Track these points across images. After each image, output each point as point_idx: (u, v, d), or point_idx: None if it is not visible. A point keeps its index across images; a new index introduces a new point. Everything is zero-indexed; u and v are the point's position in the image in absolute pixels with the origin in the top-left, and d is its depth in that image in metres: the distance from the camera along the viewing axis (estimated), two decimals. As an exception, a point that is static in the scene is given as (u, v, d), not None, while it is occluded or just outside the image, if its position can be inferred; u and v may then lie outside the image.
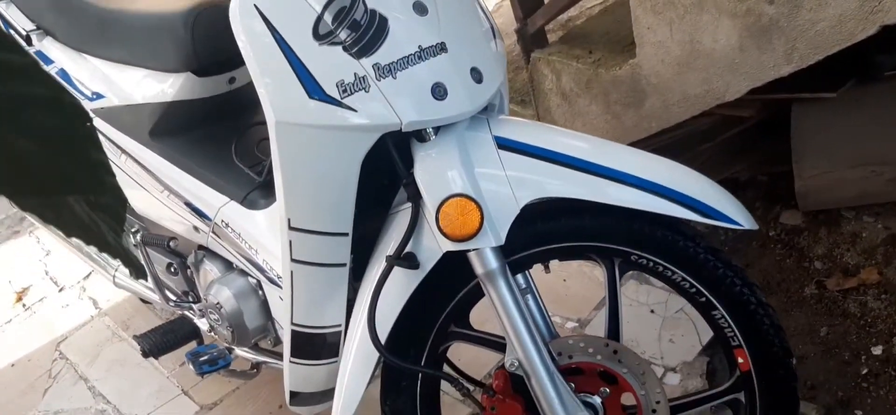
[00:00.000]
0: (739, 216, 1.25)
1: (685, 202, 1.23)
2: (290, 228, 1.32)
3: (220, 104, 1.79)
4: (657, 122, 2.03)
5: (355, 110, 1.20)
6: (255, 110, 1.93)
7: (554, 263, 1.43)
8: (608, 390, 1.36)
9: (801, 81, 1.92)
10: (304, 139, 1.24)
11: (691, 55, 1.85)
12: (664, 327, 1.92)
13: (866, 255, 1.94)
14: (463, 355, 2.02)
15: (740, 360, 1.34)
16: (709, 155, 2.13)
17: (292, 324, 1.46)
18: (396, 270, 1.30)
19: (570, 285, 1.94)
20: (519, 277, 1.43)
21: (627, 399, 1.38)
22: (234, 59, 1.77)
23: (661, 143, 2.09)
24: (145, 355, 1.76)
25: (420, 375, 1.45)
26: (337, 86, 1.19)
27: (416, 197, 1.27)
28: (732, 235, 2.13)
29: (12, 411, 2.30)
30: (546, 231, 1.35)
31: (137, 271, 0.61)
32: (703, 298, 1.32)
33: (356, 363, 1.37)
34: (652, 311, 1.99)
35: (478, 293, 1.40)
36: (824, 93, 1.91)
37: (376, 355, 1.36)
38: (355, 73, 1.19)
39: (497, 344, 1.42)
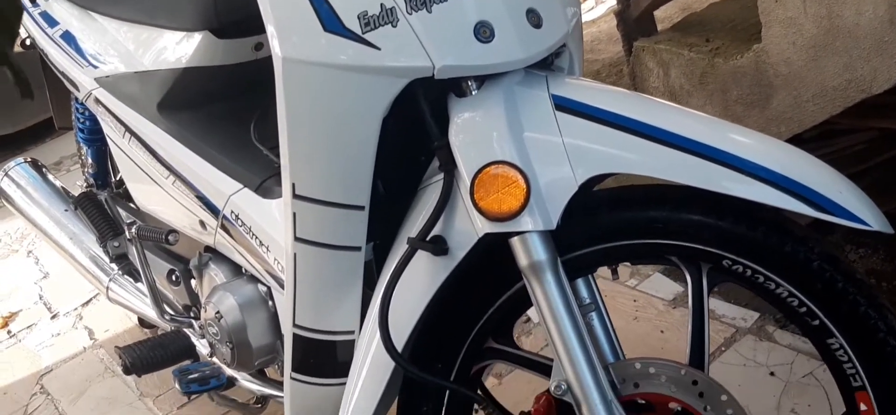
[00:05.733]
0: (868, 215, 1.22)
1: (800, 193, 1.19)
2: (295, 196, 1.37)
3: (241, 75, 1.87)
4: (787, 124, 2.00)
5: (378, 48, 1.24)
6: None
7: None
8: (684, 434, 1.33)
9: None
10: (314, 82, 1.29)
11: (829, 34, 1.82)
12: (786, 394, 1.87)
13: None
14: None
15: (863, 407, 1.28)
16: (863, 184, 2.06)
17: (294, 326, 1.49)
18: (421, 257, 1.32)
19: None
20: (580, 284, 1.43)
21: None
22: (262, 22, 1.87)
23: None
24: (127, 371, 1.83)
25: (445, 401, 1.45)
26: (359, 18, 1.24)
27: (449, 165, 1.29)
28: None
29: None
30: (614, 224, 1.34)
31: (24, 90, 0.67)
32: (816, 321, 1.28)
33: (367, 376, 1.39)
34: (772, 373, 1.94)
35: (525, 301, 1.41)
36: None
37: (391, 365, 1.37)
38: (382, 4, 1.24)
39: (548, 368, 1.41)
